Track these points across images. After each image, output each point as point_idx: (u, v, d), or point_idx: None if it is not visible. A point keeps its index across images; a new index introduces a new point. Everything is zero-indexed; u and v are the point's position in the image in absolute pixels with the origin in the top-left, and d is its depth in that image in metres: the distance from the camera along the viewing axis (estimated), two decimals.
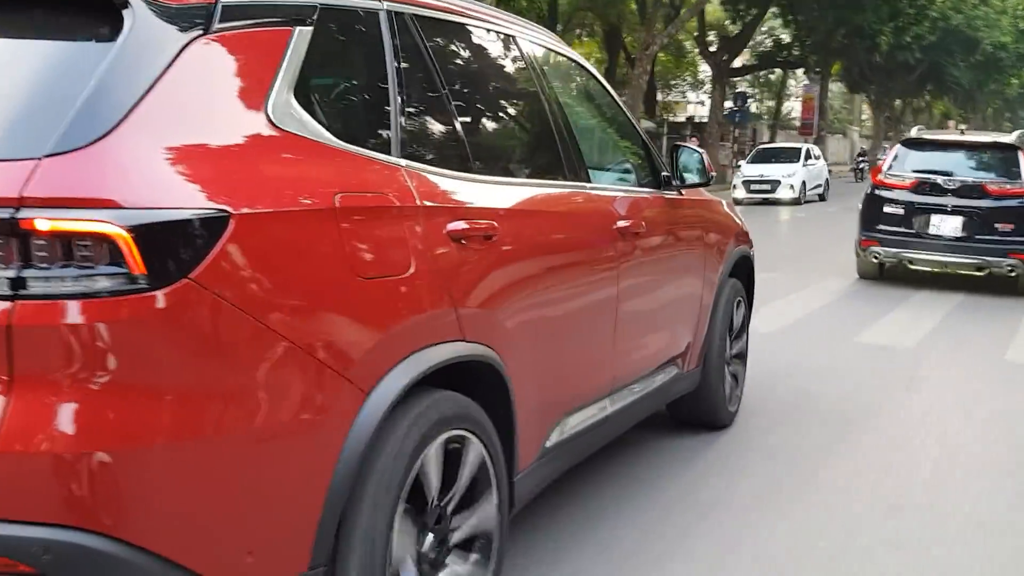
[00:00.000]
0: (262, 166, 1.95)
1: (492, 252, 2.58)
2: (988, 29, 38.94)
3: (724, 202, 5.05)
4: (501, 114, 3.15)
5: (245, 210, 1.80)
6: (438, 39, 2.75)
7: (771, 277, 9.15)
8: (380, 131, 2.37)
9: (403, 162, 2.36)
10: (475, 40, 3.01)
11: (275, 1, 2.15)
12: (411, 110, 2.53)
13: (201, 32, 1.93)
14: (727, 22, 38.00)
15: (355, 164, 2.20)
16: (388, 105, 2.40)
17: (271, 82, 2.03)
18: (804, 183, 24.45)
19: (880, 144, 44.94)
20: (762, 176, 24.45)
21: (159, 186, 1.74)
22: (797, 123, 46.92)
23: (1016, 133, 10.85)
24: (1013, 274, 9.60)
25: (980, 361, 6.69)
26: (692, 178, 4.02)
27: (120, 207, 1.64)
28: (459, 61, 2.93)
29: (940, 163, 10.19)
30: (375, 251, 2.13)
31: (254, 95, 2.00)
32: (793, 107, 51.08)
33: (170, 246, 1.69)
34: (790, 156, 25.56)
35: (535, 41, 3.35)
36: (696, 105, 49.46)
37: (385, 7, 2.45)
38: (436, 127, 2.66)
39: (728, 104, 36.36)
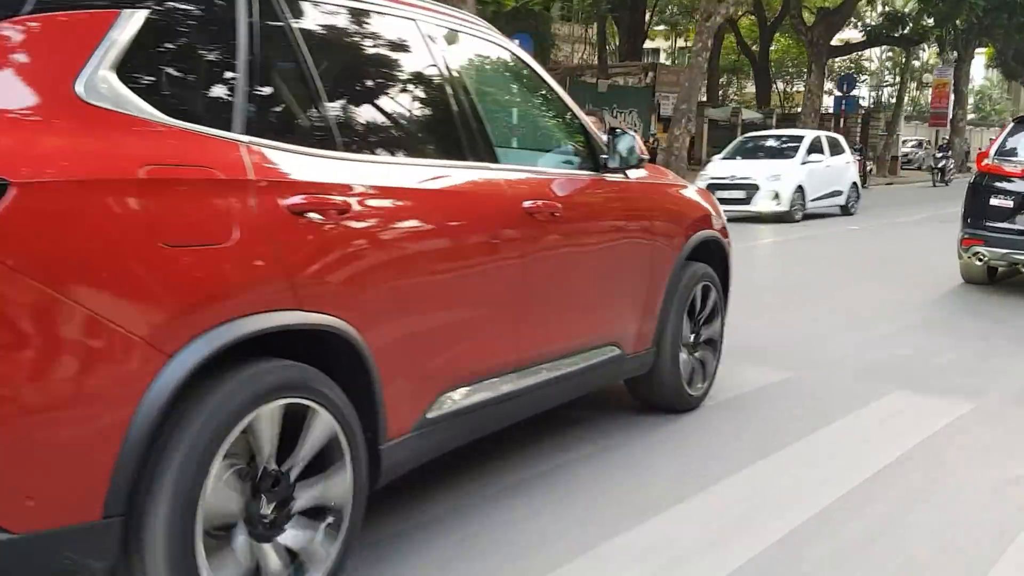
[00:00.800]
0: (58, 139, 2.06)
1: (346, 227, 2.65)
2: None
3: (692, 186, 5.01)
4: (383, 96, 3.20)
5: (26, 179, 1.93)
6: (310, 20, 2.84)
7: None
8: (222, 109, 2.47)
9: (245, 138, 2.46)
10: (355, 23, 3.08)
11: None
12: (265, 90, 2.63)
13: (11, 14, 2.10)
14: None
15: (180, 139, 2.31)
16: (235, 84, 2.51)
17: (85, 61, 2.16)
18: (801, 189, 16.66)
19: None
20: (733, 178, 16.52)
21: None
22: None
23: None
24: None
25: None
26: (617, 162, 4.01)
27: None
28: (334, 43, 3.01)
29: None
30: (185, 221, 2.23)
31: (62, 74, 2.13)
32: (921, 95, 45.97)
33: None
34: (784, 150, 17.69)
35: (441, 24, 3.41)
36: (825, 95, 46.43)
37: None
38: (295, 107, 2.76)
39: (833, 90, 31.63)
